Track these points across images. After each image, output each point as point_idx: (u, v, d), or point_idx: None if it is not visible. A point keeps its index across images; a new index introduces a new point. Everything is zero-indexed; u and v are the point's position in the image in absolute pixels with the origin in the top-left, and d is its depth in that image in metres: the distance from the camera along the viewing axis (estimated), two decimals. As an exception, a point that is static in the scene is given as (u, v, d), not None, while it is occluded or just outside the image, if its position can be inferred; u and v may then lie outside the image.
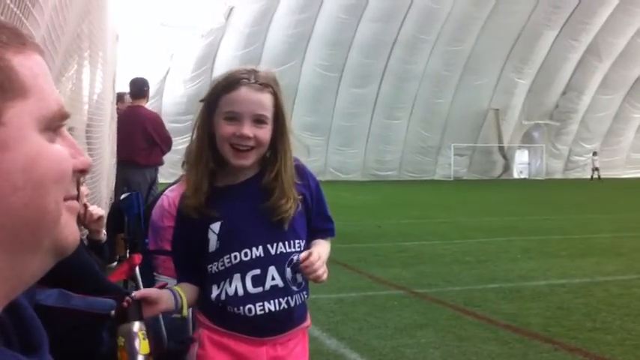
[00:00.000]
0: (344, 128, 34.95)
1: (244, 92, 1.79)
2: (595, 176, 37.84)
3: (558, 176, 40.84)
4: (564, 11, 35.49)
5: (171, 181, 4.36)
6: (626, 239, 10.54)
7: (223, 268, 1.82)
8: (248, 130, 1.78)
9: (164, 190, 4.13)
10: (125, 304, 1.66)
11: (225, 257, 1.82)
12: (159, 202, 3.97)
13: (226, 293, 1.81)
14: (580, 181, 36.36)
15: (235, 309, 1.80)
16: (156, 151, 7.90)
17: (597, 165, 38.69)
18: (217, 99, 1.82)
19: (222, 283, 1.82)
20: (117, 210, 4.47)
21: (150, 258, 3.65)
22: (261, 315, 1.79)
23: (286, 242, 1.85)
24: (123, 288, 3.66)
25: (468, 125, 37.73)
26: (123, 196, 4.30)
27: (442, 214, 15.46)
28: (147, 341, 1.65)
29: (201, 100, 1.91)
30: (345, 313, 5.61)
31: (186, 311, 1.83)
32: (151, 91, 30.18)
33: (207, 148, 1.83)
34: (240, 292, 1.80)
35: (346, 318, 5.42)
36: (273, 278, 1.82)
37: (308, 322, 1.97)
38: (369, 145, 36.26)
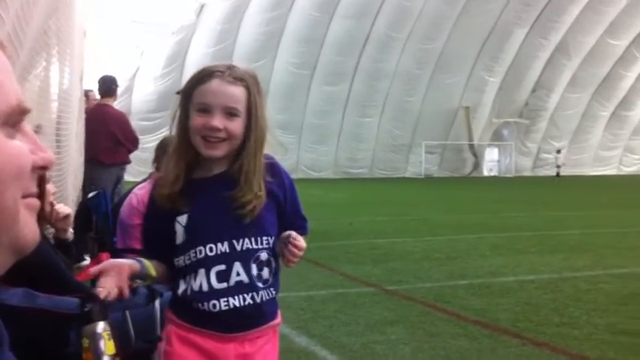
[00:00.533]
0: (316, 126, 34.97)
1: (216, 84, 1.80)
2: (558, 174, 38.74)
3: (527, 174, 41.32)
4: (534, 9, 35.91)
5: (139, 179, 4.33)
6: (594, 236, 10.71)
7: (189, 262, 1.81)
8: (218, 121, 1.78)
9: (132, 189, 4.10)
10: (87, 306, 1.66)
11: (190, 251, 1.81)
12: (127, 200, 3.94)
13: (191, 288, 1.80)
14: (549, 179, 36.83)
15: (200, 304, 1.78)
16: (121, 150, 7.84)
17: (560, 163, 39.48)
18: (191, 91, 1.83)
19: (187, 278, 1.81)
20: (85, 208, 4.43)
21: (118, 257, 3.62)
22: (225, 310, 1.78)
23: (252, 238, 1.84)
24: (90, 287, 3.62)
25: (438, 123, 37.99)
26: (90, 195, 4.26)
27: (413, 212, 15.55)
28: (112, 341, 1.63)
29: (178, 92, 1.91)
30: (315, 310, 5.61)
31: (154, 272, 1.82)
32: (121, 89, 29.97)
33: (185, 141, 1.84)
34: (205, 287, 1.79)
35: (316, 315, 5.42)
36: (238, 274, 1.81)
37: (278, 319, 1.96)
38: (340, 143, 36.33)
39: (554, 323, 5.11)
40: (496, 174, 41.95)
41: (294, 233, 1.86)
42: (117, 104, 8.51)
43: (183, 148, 1.85)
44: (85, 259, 4.02)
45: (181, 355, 1.80)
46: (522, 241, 10.04)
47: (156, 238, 1.89)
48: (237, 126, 1.81)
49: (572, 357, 4.28)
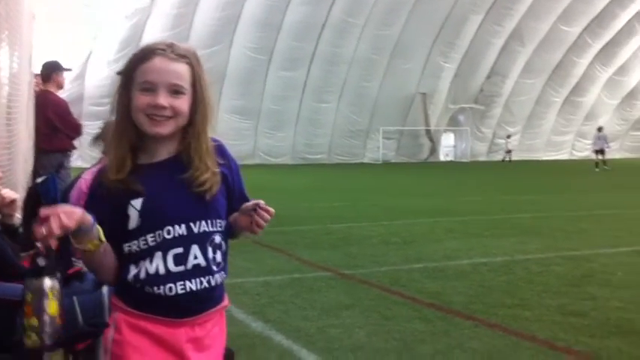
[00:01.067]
0: (273, 112, 34.81)
1: (159, 62, 1.76)
2: (507, 159, 39.58)
3: (482, 158, 41.91)
4: (489, -4, 36.28)
5: (89, 164, 4.24)
6: (545, 219, 10.91)
7: (145, 246, 1.76)
8: (163, 99, 1.74)
9: (82, 173, 4.02)
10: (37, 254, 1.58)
11: (148, 235, 1.76)
12: (77, 185, 3.88)
13: (146, 272, 1.75)
14: (502, 164, 37.40)
15: (155, 288, 1.74)
16: (59, 137, 7.68)
17: (510, 147, 40.24)
18: (133, 71, 1.78)
19: (141, 262, 1.76)
20: (33, 194, 4.31)
21: (67, 242, 3.55)
22: (182, 294, 1.75)
23: (209, 221, 1.82)
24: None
25: (396, 109, 38.20)
26: (39, 180, 4.15)
27: (370, 197, 15.64)
28: (57, 302, 1.56)
29: (119, 73, 1.85)
30: (271, 295, 5.60)
31: (104, 239, 1.70)
32: (74, 74, 29.24)
33: (127, 122, 1.78)
34: (162, 270, 1.75)
35: (273, 300, 5.42)
36: (195, 257, 1.78)
37: (226, 302, 1.92)
38: (298, 129, 36.26)
39: (507, 305, 5.19)
40: (452, 159, 42.43)
41: (261, 201, 1.86)
42: (69, 89, 8.34)
43: (126, 131, 1.79)
44: (34, 247, 3.93)
45: (132, 343, 1.75)
46: (476, 225, 10.18)
47: (102, 224, 1.78)
48: (182, 103, 1.77)
49: (523, 337, 4.35)
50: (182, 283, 1.76)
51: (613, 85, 43.76)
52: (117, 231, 1.77)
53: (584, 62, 41.73)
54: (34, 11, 7.59)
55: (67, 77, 9.02)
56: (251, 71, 32.81)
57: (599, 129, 33.30)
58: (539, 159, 42.34)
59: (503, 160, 39.81)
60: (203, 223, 1.80)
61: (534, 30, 38.80)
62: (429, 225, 10.25)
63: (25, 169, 7.16)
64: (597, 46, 41.06)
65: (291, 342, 4.30)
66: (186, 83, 1.78)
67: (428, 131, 40.55)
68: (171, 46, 1.80)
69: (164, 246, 1.76)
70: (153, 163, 1.81)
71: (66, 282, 2.50)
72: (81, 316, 2.62)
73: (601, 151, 30.61)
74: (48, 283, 1.56)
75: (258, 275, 6.34)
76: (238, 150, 32.51)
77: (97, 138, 3.95)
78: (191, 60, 1.81)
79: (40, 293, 1.55)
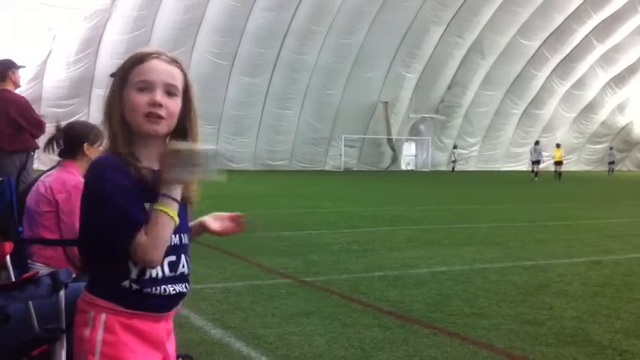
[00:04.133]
0: (235, 117, 34.71)
1: (155, 63, 1.83)
2: (452, 168, 40.86)
3: (443, 168, 42.40)
4: (451, 8, 36.78)
5: (47, 167, 4.16)
6: (503, 229, 11.07)
7: None
8: (160, 97, 1.80)
9: (39, 176, 3.94)
10: None
11: None
12: (34, 188, 3.80)
13: (149, 275, 1.82)
14: (463, 174, 37.86)
15: (153, 289, 1.83)
16: (24, 136, 7.51)
17: (456, 157, 41.22)
18: (128, 72, 1.83)
19: (132, 266, 1.81)
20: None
21: (23, 246, 3.47)
22: (173, 294, 1.87)
23: (187, 234, 1.95)
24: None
25: (358, 117, 38.43)
26: (-4, 182, 4.06)
27: (331, 204, 15.66)
28: None
29: (112, 75, 1.89)
30: (231, 302, 5.55)
31: (177, 219, 1.79)
32: (31, 74, 28.77)
33: (121, 124, 1.81)
34: (160, 275, 1.84)
35: (232, 307, 5.37)
36: (183, 265, 1.90)
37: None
38: (260, 135, 36.21)
39: (465, 313, 5.24)
40: (413, 168, 42.83)
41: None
42: (27, 90, 8.17)
43: (121, 132, 1.82)
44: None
45: (126, 342, 1.82)
46: (435, 233, 10.27)
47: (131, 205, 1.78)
48: (175, 105, 1.84)
49: (481, 346, 4.39)
50: (172, 286, 1.87)
51: (570, 98, 44.74)
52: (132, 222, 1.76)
53: (542, 75, 42.60)
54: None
55: (25, 77, 8.86)
56: (213, 76, 32.66)
57: (537, 142, 35.82)
58: (499, 169, 43.00)
59: (452, 170, 40.83)
60: (185, 235, 1.93)
61: (494, 43, 39.48)
62: (389, 233, 10.30)
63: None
64: (555, 60, 41.98)
65: (250, 349, 4.27)
66: (179, 86, 1.86)
67: (389, 140, 40.87)
68: (163, 52, 1.88)
69: (165, 253, 1.84)
70: (156, 170, 1.85)
71: (21, 286, 2.43)
72: (36, 321, 2.56)
73: (537, 163, 33.09)
74: None
75: (218, 282, 6.29)
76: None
77: (52, 141, 3.87)
78: (182, 67, 1.89)
79: None
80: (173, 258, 1.86)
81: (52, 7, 27.06)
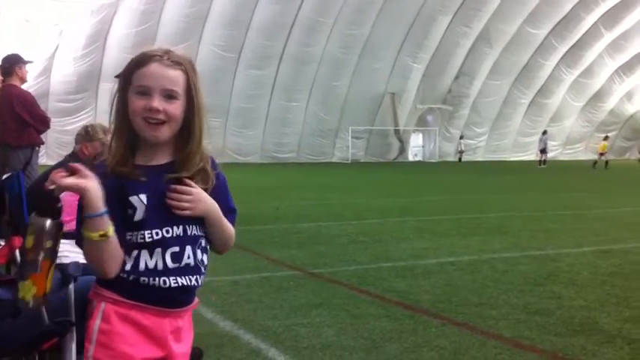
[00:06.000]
0: (242, 110, 34.70)
1: (155, 67, 1.85)
2: (460, 158, 40.97)
3: (450, 159, 42.30)
4: (457, -3, 36.60)
5: (55, 162, 4.18)
6: (511, 219, 11.05)
7: (150, 240, 1.85)
8: (157, 103, 1.82)
9: (49, 171, 3.96)
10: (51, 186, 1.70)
11: (152, 230, 1.85)
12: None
13: (146, 265, 1.84)
14: (470, 164, 37.77)
15: (151, 279, 1.84)
16: (29, 131, 7.54)
17: (463, 148, 41.23)
18: (131, 75, 1.86)
19: (141, 255, 1.84)
20: (-2, 191, 4.23)
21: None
22: (174, 287, 1.86)
23: (197, 226, 1.92)
24: (3, 272, 3.48)
25: (365, 108, 38.36)
26: (4, 177, 4.08)
27: (339, 196, 15.67)
28: (33, 237, 1.73)
29: (117, 76, 1.93)
30: (240, 294, 5.58)
31: (112, 231, 1.78)
32: (39, 69, 28.73)
33: (125, 124, 1.87)
34: (160, 266, 1.85)
35: (241, 299, 5.39)
36: (188, 257, 1.89)
37: (197, 299, 2.03)
38: (267, 128, 36.20)
39: (473, 304, 5.24)
40: (421, 159, 42.76)
41: (205, 241, 1.95)
42: (34, 85, 8.19)
43: (122, 132, 1.88)
44: (-1, 244, 3.85)
45: (120, 332, 1.83)
46: (443, 224, 10.26)
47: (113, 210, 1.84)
48: (175, 109, 1.86)
49: (489, 336, 4.40)
50: (175, 278, 1.87)
51: (578, 87, 44.51)
52: (120, 220, 1.83)
53: (550, 64, 42.37)
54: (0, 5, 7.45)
55: (33, 72, 8.88)
56: (220, 69, 32.66)
57: (544, 132, 37.33)
58: (507, 159, 42.87)
59: (459, 160, 40.86)
60: (194, 227, 1.91)
61: (502, 32, 39.27)
62: (397, 224, 10.30)
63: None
64: (563, 48, 41.73)
65: (259, 341, 4.29)
66: (180, 89, 1.87)
67: (397, 131, 40.79)
68: (167, 52, 1.89)
69: (164, 243, 1.86)
70: (150, 166, 1.89)
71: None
72: (46, 314, 2.58)
73: (543, 152, 34.96)
74: (31, 218, 1.76)
75: (227, 274, 6.31)
76: (206, 148, 32.29)
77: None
78: (186, 67, 1.90)
79: (42, 231, 1.74)
80: (176, 249, 1.87)
81: (58, 2, 27.11)
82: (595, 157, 34.95)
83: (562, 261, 7.16)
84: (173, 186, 1.85)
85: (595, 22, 40.96)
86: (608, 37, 42.21)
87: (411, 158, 42.46)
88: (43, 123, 7.74)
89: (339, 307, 5.14)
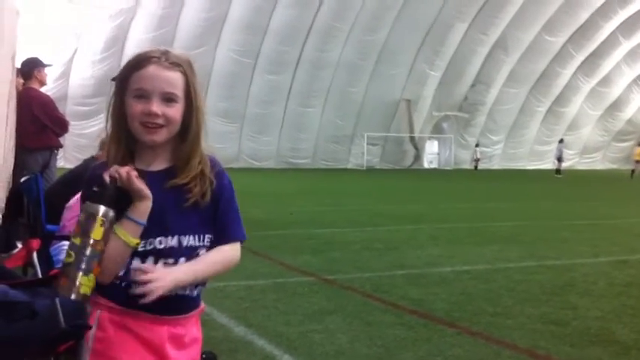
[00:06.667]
0: (258, 115, 34.77)
1: (153, 70, 1.79)
2: (476, 166, 40.82)
3: (466, 166, 42.12)
4: (474, 4, 36.48)
5: (74, 165, 4.21)
6: (527, 228, 10.98)
7: (143, 249, 1.80)
8: (156, 107, 1.77)
9: (70, 175, 3.99)
10: (108, 178, 1.71)
11: (144, 240, 1.80)
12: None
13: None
14: (486, 172, 37.60)
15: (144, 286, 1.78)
16: (46, 134, 7.59)
17: (479, 156, 41.11)
18: (128, 78, 1.81)
19: (131, 262, 1.80)
20: (16, 194, 4.28)
21: (49, 243, 3.52)
22: (168, 296, 1.79)
23: (196, 236, 1.86)
24: (20, 274, 3.51)
25: (380, 115, 38.30)
26: (23, 180, 4.13)
27: (354, 202, 15.66)
28: (102, 229, 1.68)
29: (113, 79, 1.89)
30: (254, 300, 5.58)
31: (135, 243, 1.77)
32: (57, 73, 28.95)
33: (122, 128, 1.82)
34: None
35: (255, 305, 5.40)
36: None
37: (203, 306, 1.98)
38: (283, 133, 36.23)
39: (488, 313, 5.21)
40: (436, 166, 42.60)
41: (203, 252, 1.87)
42: (53, 88, 8.25)
43: (120, 136, 1.84)
44: (16, 247, 3.89)
45: (115, 340, 1.80)
46: (458, 232, 10.22)
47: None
48: (175, 112, 1.80)
49: (505, 346, 4.37)
50: None
51: (596, 96, 44.20)
52: None
53: (567, 73, 42.10)
54: (18, 7, 7.52)
55: (51, 76, 8.94)
56: (236, 74, 32.77)
57: (560, 141, 37.26)
58: (523, 168, 42.64)
59: (475, 169, 40.75)
60: (191, 237, 1.85)
61: (518, 39, 39.09)
62: (411, 231, 10.28)
63: (6, 169, 7.08)
64: (580, 57, 41.47)
65: (273, 347, 4.29)
66: (179, 91, 1.81)
67: (412, 138, 40.69)
68: (165, 53, 1.83)
69: (157, 254, 1.81)
70: (149, 171, 1.84)
71: (47, 283, 2.47)
72: (62, 317, 2.59)
73: (559, 160, 34.83)
74: (102, 209, 1.69)
75: (241, 279, 6.31)
76: (223, 154, 32.36)
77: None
78: (185, 68, 1.83)
79: (90, 217, 1.68)
80: (170, 260, 1.82)
81: (77, 6, 27.34)
82: (632, 166, 34.30)
83: (578, 271, 7.10)
84: (135, 269, 1.76)
85: (613, 31, 40.67)
86: (626, 45, 41.90)
87: (426, 165, 42.32)
88: (62, 126, 7.79)
89: (353, 314, 5.13)
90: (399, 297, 5.73)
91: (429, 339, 4.49)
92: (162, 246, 1.81)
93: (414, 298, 5.71)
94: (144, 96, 1.78)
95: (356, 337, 4.52)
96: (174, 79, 1.80)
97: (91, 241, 1.66)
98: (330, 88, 36.14)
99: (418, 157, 41.55)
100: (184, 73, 1.82)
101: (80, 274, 1.68)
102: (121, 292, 1.81)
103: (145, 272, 1.74)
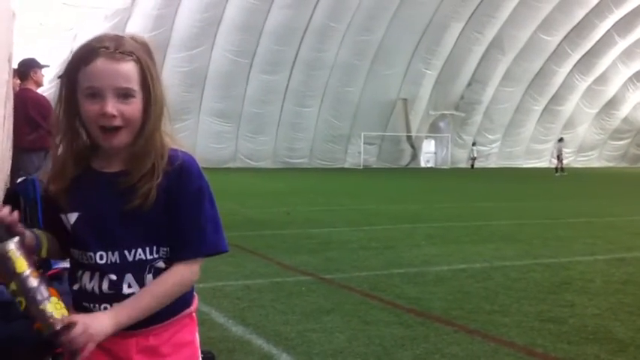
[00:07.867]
0: (255, 115, 34.77)
1: (101, 63, 1.57)
2: (472, 165, 40.86)
3: (463, 165, 42.18)
4: (470, 3, 36.53)
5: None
6: (524, 226, 10.99)
7: (83, 261, 1.68)
8: (111, 107, 1.57)
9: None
10: None
11: (82, 253, 1.68)
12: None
13: (85, 287, 1.67)
14: (482, 171, 37.65)
15: (91, 305, 1.66)
16: (42, 135, 7.58)
17: (475, 155, 41.18)
18: (76, 73, 1.60)
19: (82, 274, 1.68)
20: (12, 195, 4.26)
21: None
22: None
23: (147, 249, 1.66)
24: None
25: (377, 114, 38.33)
26: (19, 181, 4.12)
27: (351, 202, 15.66)
28: (21, 258, 1.50)
29: (60, 77, 1.67)
30: (251, 299, 5.58)
31: (45, 252, 1.64)
32: (53, 74, 29.11)
33: (71, 129, 1.65)
34: (97, 291, 1.66)
35: (253, 304, 5.40)
36: (129, 286, 1.64)
37: (191, 307, 1.79)
38: (279, 133, 36.23)
39: (486, 311, 5.22)
40: (433, 165, 42.66)
41: (159, 264, 1.68)
42: (49, 89, 8.21)
43: (69, 137, 1.66)
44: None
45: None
46: (455, 231, 10.23)
47: (52, 223, 1.72)
48: (133, 109, 1.60)
49: (502, 343, 4.38)
50: (104, 303, 1.66)
51: (592, 94, 44.29)
52: (63, 233, 1.70)
53: (563, 71, 42.18)
54: (14, 9, 7.50)
55: (47, 76, 8.91)
56: (232, 74, 32.77)
57: (559, 139, 37.10)
58: (520, 166, 42.71)
59: (472, 167, 40.82)
60: (139, 251, 1.65)
61: (514, 38, 39.15)
62: (408, 230, 10.28)
63: (3, 170, 7.07)
64: (576, 55, 41.55)
65: (271, 346, 4.29)
66: (134, 84, 1.60)
67: (409, 137, 40.73)
68: (116, 40, 1.62)
69: (98, 269, 1.66)
70: (102, 173, 1.68)
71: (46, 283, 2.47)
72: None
73: (557, 159, 34.50)
74: (5, 246, 1.51)
75: (238, 279, 6.32)
76: (219, 153, 32.45)
77: None
78: (138, 56, 1.62)
79: (4, 258, 1.50)
80: (113, 277, 1.65)
81: (73, 7, 27.29)
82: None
83: (575, 269, 7.11)
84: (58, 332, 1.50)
85: (609, 30, 40.76)
86: (621, 44, 42.00)
87: (423, 164, 42.36)
88: None
89: (351, 313, 5.14)
90: (396, 296, 5.74)
91: (426, 337, 4.49)
92: (102, 261, 1.64)
93: (411, 296, 5.71)
94: (96, 94, 1.57)
95: (354, 335, 4.53)
96: (127, 72, 1.59)
97: (24, 275, 1.50)
98: (326, 88, 36.16)
99: (415, 156, 41.59)
100: (138, 61, 1.61)
101: (43, 306, 1.50)
102: (78, 303, 1.69)
103: (67, 327, 1.48)
